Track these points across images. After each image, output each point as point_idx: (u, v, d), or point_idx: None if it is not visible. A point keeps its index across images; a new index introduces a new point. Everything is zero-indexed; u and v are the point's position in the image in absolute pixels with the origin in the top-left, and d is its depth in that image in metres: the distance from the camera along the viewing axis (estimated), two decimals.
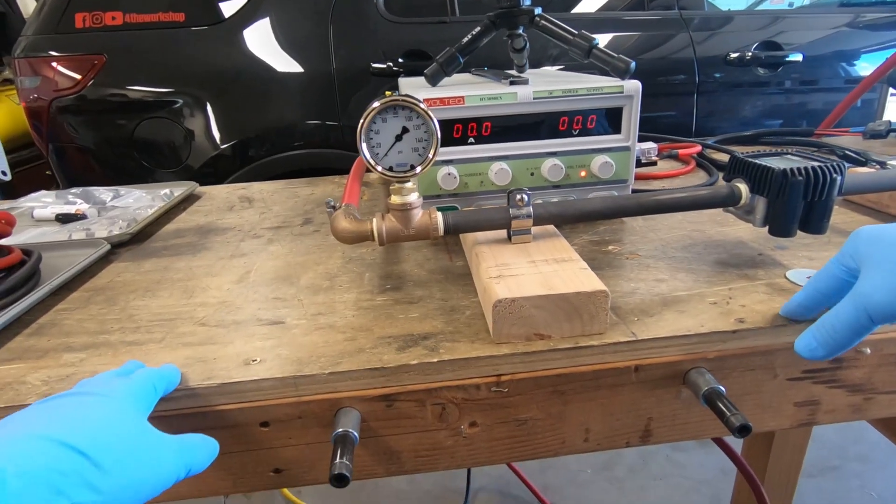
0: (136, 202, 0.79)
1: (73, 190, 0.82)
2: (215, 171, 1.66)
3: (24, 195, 0.81)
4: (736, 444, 0.96)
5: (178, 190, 0.83)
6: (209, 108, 1.63)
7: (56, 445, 0.25)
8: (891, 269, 0.32)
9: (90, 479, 0.25)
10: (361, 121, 0.41)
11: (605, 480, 1.51)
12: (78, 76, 1.59)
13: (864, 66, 1.81)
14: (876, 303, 0.32)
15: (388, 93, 0.42)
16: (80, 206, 0.76)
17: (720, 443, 0.84)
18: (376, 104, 0.41)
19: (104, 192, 0.81)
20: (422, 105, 0.41)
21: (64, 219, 0.72)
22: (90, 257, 0.57)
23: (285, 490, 1.46)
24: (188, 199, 0.83)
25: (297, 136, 1.67)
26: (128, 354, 0.41)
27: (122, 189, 0.84)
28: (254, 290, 0.50)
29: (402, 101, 0.41)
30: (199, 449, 0.32)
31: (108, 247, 0.60)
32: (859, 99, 1.02)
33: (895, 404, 0.44)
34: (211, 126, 1.64)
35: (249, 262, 0.57)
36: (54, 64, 1.58)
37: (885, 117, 0.93)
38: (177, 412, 0.37)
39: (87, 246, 0.60)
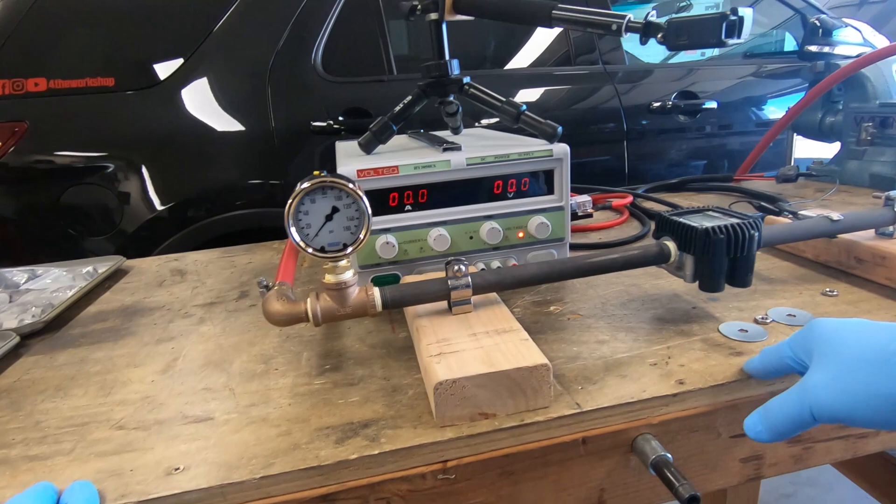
0: (55, 283, 0.73)
1: None
2: (151, 234, 1.58)
3: None
4: None
5: (102, 266, 0.78)
6: (144, 170, 1.57)
7: None
8: (837, 371, 0.32)
9: None
10: (289, 202, 0.40)
11: None
12: None
13: (772, 111, 1.98)
14: (820, 403, 0.32)
15: (316, 172, 0.41)
16: None
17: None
18: (305, 184, 0.40)
19: (17, 274, 0.75)
20: (351, 185, 0.40)
21: None
22: None
23: None
24: (114, 276, 0.78)
25: (238, 196, 1.63)
26: (29, 473, 0.36)
27: (40, 268, 0.78)
28: (180, 381, 0.47)
29: (331, 181, 0.40)
30: None
31: (18, 339, 0.55)
32: (769, 144, 1.10)
33: (832, 451, 0.45)
34: (147, 189, 1.58)
35: (178, 346, 0.54)
36: None
37: (795, 155, 1.00)
38: None
39: None
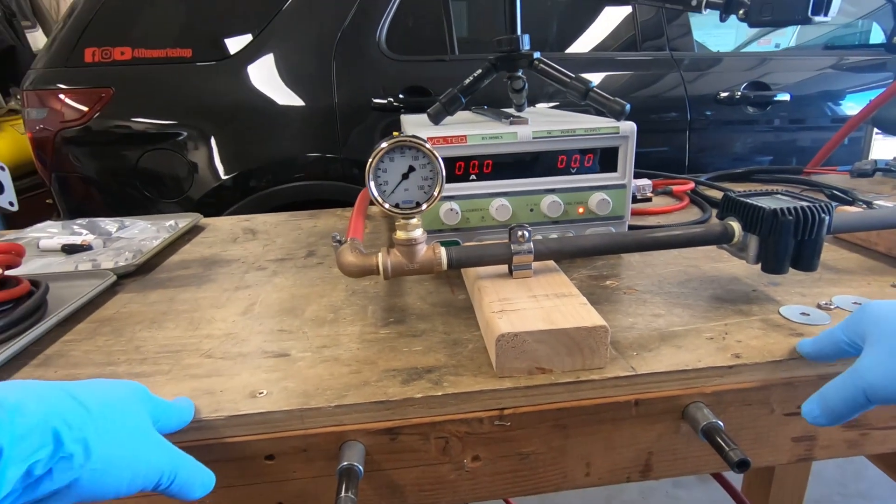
0: (141, 233, 0.80)
1: (79, 221, 0.83)
2: (216, 201, 1.68)
3: (24, 223, 0.82)
4: (736, 480, 0.95)
5: (182, 221, 0.84)
6: (213, 140, 1.66)
7: (72, 400, 0.28)
8: (889, 352, 0.32)
9: (88, 438, 0.27)
10: (370, 160, 0.43)
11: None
12: (85, 108, 1.62)
13: (850, 106, 1.87)
14: (873, 385, 0.32)
15: (395, 133, 0.44)
16: (86, 237, 0.77)
17: (720, 478, 0.84)
18: (384, 144, 0.43)
19: (109, 224, 0.82)
20: (427, 145, 0.43)
21: (69, 249, 0.73)
22: (96, 288, 0.58)
23: None
24: (192, 231, 0.85)
25: (297, 168, 1.70)
26: None
27: (127, 220, 0.85)
28: (259, 322, 0.51)
29: (409, 141, 0.42)
30: (194, 470, 0.33)
31: (114, 278, 0.61)
32: (846, 138, 1.05)
33: (890, 440, 0.44)
34: (214, 158, 1.67)
35: (254, 294, 0.58)
36: (62, 96, 1.62)
37: (871, 156, 0.96)
38: (184, 443, 0.37)
39: (93, 277, 0.61)
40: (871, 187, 0.90)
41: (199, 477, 0.33)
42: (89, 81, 1.61)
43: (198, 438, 0.37)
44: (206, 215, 0.93)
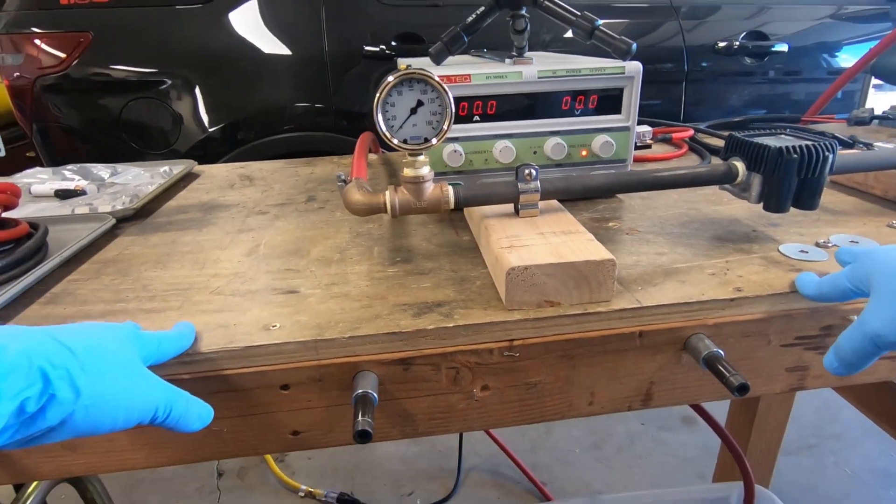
0: (135, 179, 0.79)
1: (70, 166, 0.81)
2: (204, 153, 1.64)
3: (8, 175, 0.80)
4: (719, 418, 0.99)
5: (176, 168, 0.83)
6: (197, 89, 1.61)
7: (55, 342, 0.28)
8: (892, 298, 0.33)
9: (74, 376, 0.28)
10: (378, 94, 0.42)
11: (594, 459, 1.55)
12: (63, 54, 1.55)
13: (845, 58, 1.86)
14: (879, 332, 0.33)
15: (402, 66, 0.43)
16: (79, 182, 0.75)
17: (704, 415, 0.88)
18: (391, 78, 0.42)
19: (102, 169, 0.81)
20: (436, 78, 0.42)
21: (63, 195, 0.71)
22: (96, 230, 0.57)
23: (279, 471, 1.48)
24: (187, 178, 0.83)
25: (286, 119, 1.66)
26: (147, 321, 0.41)
27: (120, 166, 0.83)
28: (265, 262, 0.51)
29: (418, 74, 0.42)
30: (190, 403, 0.34)
31: (114, 221, 0.61)
32: (843, 87, 1.05)
33: (878, 370, 0.47)
34: (199, 108, 1.62)
35: (257, 236, 0.58)
36: (38, 41, 1.54)
37: (868, 106, 0.96)
38: (200, 374, 0.38)
39: (91, 220, 0.60)
40: (867, 135, 0.90)
41: (196, 410, 0.34)
42: (66, 25, 1.54)
43: (214, 369, 0.38)
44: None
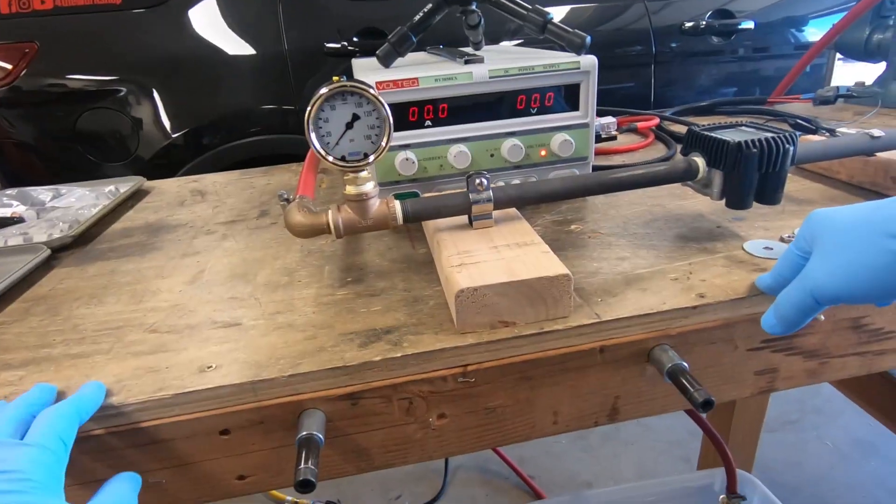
0: (79, 201, 0.75)
1: (8, 191, 0.76)
2: (168, 161, 1.58)
3: None
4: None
5: (123, 186, 0.79)
6: (156, 95, 1.55)
7: None
8: (833, 252, 0.33)
9: None
10: (308, 108, 0.39)
11: (580, 449, 1.55)
12: (9, 66, 1.48)
13: (813, 32, 1.85)
14: (819, 285, 0.33)
15: (335, 78, 0.40)
16: (17, 208, 0.71)
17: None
18: (324, 90, 0.39)
19: (43, 192, 0.76)
20: (371, 90, 0.39)
21: None
22: (29, 264, 0.53)
23: None
24: (136, 196, 0.79)
25: (252, 122, 1.61)
26: (72, 369, 0.38)
27: (63, 188, 0.79)
28: (208, 291, 0.48)
29: (351, 86, 0.39)
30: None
31: (49, 252, 0.57)
32: (808, 65, 1.04)
33: (847, 366, 0.45)
34: (160, 115, 1.56)
35: (203, 260, 0.55)
36: None
37: (833, 83, 0.95)
38: (129, 426, 0.35)
39: (24, 252, 0.56)
40: (832, 114, 0.90)
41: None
42: (8, 35, 1.46)
43: (145, 420, 0.35)
44: (158, 177, 0.87)
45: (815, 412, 1.63)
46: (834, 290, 0.32)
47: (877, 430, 1.49)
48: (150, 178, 0.86)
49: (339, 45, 1.56)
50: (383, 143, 0.40)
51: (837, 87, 0.92)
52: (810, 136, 0.63)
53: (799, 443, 1.53)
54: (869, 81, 0.96)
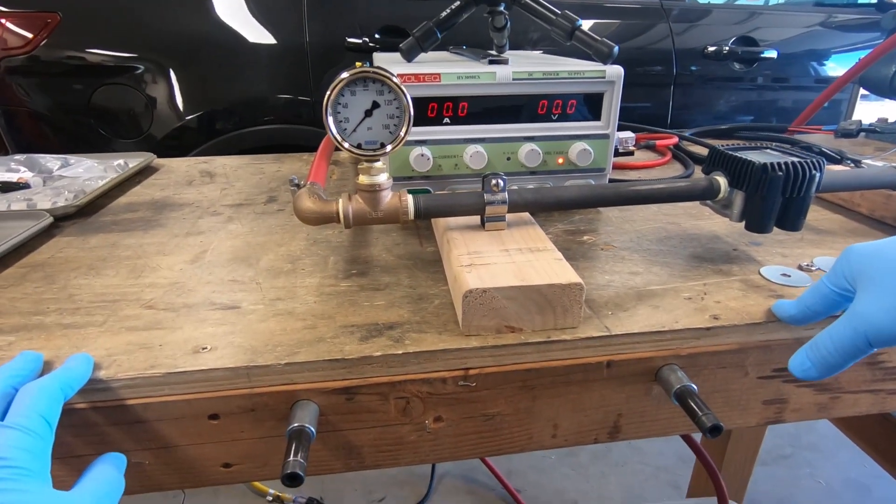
0: (87, 172, 0.74)
1: (17, 156, 0.76)
2: (179, 143, 1.58)
3: None
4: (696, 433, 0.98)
5: (133, 161, 0.78)
6: (173, 76, 1.55)
7: None
8: (889, 290, 0.30)
9: None
10: (328, 92, 0.38)
11: (569, 467, 1.53)
12: (29, 35, 1.48)
13: (834, 67, 1.85)
14: (875, 326, 0.30)
15: (358, 64, 0.39)
16: (24, 174, 0.70)
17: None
18: (345, 75, 0.38)
19: (51, 161, 0.75)
20: (394, 79, 0.38)
21: (3, 187, 0.66)
22: (29, 230, 0.52)
23: None
24: (144, 172, 0.78)
25: (267, 111, 1.61)
26: (63, 339, 0.37)
27: (72, 158, 0.78)
28: (208, 272, 0.47)
29: (374, 73, 0.38)
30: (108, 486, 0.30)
31: (51, 219, 0.56)
32: (831, 97, 1.03)
33: (859, 403, 0.44)
34: (175, 95, 1.56)
35: (206, 240, 0.54)
36: (3, 20, 1.47)
37: (855, 117, 0.94)
38: (115, 402, 0.34)
39: (26, 218, 0.55)
40: (854, 148, 0.88)
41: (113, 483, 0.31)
42: (32, 4, 1.46)
43: (132, 397, 0.34)
44: (166, 157, 0.86)
45: (810, 448, 1.61)
46: (892, 329, 0.30)
47: (871, 471, 1.47)
48: (160, 157, 0.85)
49: (360, 41, 1.56)
50: (402, 133, 0.39)
51: (860, 121, 0.91)
52: (835, 166, 0.61)
53: (791, 478, 1.50)
54: (892, 118, 0.95)
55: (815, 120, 1.06)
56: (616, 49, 0.55)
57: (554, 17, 0.58)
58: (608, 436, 0.41)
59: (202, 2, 1.52)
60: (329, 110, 0.38)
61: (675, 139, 0.87)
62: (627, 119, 1.01)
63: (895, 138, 0.89)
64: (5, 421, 0.28)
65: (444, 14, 0.60)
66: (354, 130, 0.39)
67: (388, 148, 0.40)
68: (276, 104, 1.60)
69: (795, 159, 0.44)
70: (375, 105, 0.39)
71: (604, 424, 0.41)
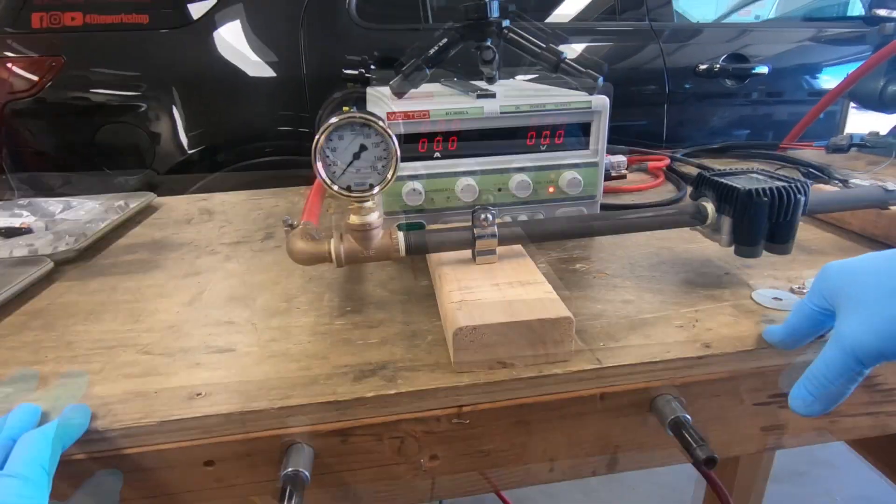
0: (88, 214, 0.75)
1: (21, 201, 0.77)
2: (182, 177, 1.60)
3: None
4: None
5: (133, 201, 0.79)
6: (175, 112, 1.58)
7: None
8: (871, 307, 0.30)
9: None
10: (317, 137, 0.39)
11: (579, 491, 1.51)
12: (35, 78, 1.52)
13: (826, 80, 1.86)
14: (862, 345, 0.30)
15: (345, 108, 0.40)
16: (26, 219, 0.72)
17: None
18: (334, 120, 0.39)
19: (53, 204, 0.77)
20: (381, 123, 0.39)
21: (7, 233, 0.67)
22: (29, 277, 0.53)
23: None
24: (144, 211, 0.80)
25: (268, 143, 1.64)
26: (60, 388, 0.37)
27: (74, 200, 0.80)
28: (205, 314, 0.47)
29: (360, 118, 0.39)
30: None
31: (52, 265, 0.57)
32: (822, 112, 1.04)
33: (859, 426, 0.44)
34: (178, 130, 1.59)
35: (204, 280, 0.54)
36: (9, 65, 1.51)
37: (847, 131, 0.95)
38: (112, 452, 0.34)
39: (27, 264, 0.56)
40: (845, 163, 0.89)
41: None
42: (38, 49, 1.51)
43: (128, 446, 0.34)
44: (172, 192, 0.88)
45: (825, 465, 1.58)
46: (878, 347, 0.29)
47: (889, 488, 1.43)
48: (163, 193, 0.86)
49: (356, 72, 1.59)
50: (389, 176, 0.40)
51: (851, 136, 0.91)
52: (823, 185, 0.62)
53: (805, 496, 1.47)
54: (883, 131, 0.96)
55: (810, 133, 1.07)
56: (601, 80, 0.56)
57: (539, 51, 0.59)
58: (606, 468, 0.41)
59: (204, 40, 1.56)
60: (318, 155, 0.39)
61: (668, 161, 0.88)
62: (624, 136, 1.02)
63: (887, 152, 0.90)
64: (5, 470, 0.28)
65: (431, 51, 0.62)
66: (343, 173, 0.40)
67: (376, 189, 0.40)
68: (276, 136, 1.63)
69: (780, 184, 0.45)
70: (363, 148, 0.40)
71: (601, 457, 0.41)
